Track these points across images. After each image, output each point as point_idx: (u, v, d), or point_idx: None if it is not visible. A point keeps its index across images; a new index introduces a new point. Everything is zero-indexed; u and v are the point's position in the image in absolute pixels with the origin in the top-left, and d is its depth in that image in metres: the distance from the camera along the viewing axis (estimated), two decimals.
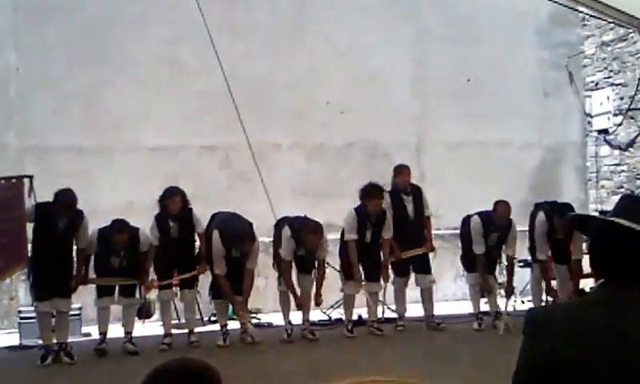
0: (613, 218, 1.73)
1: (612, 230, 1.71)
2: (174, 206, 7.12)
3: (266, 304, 8.71)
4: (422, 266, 7.93)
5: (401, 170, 7.88)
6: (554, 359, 1.63)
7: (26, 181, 6.79)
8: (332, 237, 8.00)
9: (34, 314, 7.12)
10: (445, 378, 5.70)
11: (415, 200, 7.88)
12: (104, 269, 7.13)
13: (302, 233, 7.23)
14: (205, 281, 8.15)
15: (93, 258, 7.16)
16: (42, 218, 6.71)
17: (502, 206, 7.66)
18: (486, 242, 7.76)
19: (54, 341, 6.81)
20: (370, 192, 7.47)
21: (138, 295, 7.39)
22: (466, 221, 8.00)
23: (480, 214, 7.81)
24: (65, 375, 6.45)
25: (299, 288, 7.62)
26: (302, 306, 7.57)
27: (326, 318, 8.54)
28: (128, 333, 7.24)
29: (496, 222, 7.71)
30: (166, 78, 9.03)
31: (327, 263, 8.01)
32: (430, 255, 8.06)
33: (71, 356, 6.77)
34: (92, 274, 7.22)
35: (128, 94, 8.87)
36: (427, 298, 7.99)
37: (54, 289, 6.77)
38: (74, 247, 6.98)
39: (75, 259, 6.99)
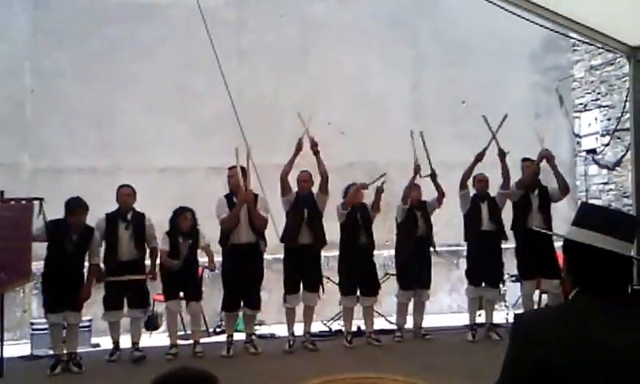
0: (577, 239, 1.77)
1: (581, 243, 1.74)
2: (184, 222, 7.31)
3: (269, 316, 8.77)
4: (424, 281, 8.06)
5: (414, 188, 8.06)
6: (541, 363, 1.63)
7: (36, 203, 6.92)
8: (333, 254, 8.13)
9: (45, 326, 7.25)
10: None
11: (424, 215, 8.08)
12: (112, 252, 7.15)
13: None
14: (211, 294, 8.35)
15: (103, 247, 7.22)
16: (52, 237, 6.82)
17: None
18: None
19: (64, 351, 6.90)
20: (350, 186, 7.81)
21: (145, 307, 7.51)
22: (472, 235, 8.16)
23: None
24: None
25: (303, 303, 7.71)
26: (304, 319, 7.73)
27: (326, 329, 8.68)
28: (135, 343, 7.32)
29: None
30: (176, 101, 9.10)
31: (327, 278, 8.14)
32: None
33: (80, 365, 6.86)
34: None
35: (139, 116, 8.94)
36: (419, 311, 8.15)
37: (65, 302, 6.84)
38: (86, 263, 7.06)
39: (86, 272, 7.05)
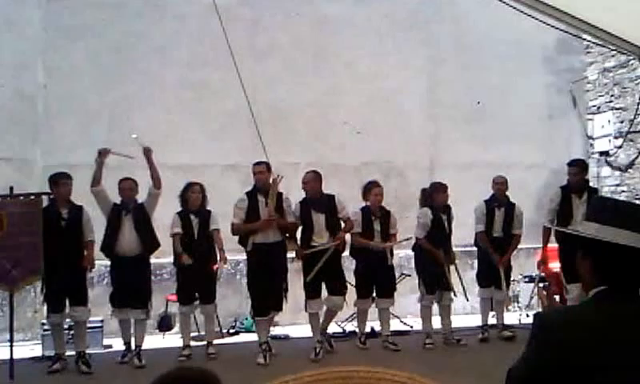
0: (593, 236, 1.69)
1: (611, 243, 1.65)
2: (192, 196, 7.03)
3: (283, 317, 8.54)
4: (446, 284, 7.65)
5: (442, 189, 7.63)
6: (563, 366, 1.56)
7: (45, 198, 6.73)
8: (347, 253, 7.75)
9: None
10: None
11: (448, 218, 7.65)
12: (114, 241, 6.83)
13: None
14: (225, 294, 8.10)
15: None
16: (46, 218, 6.57)
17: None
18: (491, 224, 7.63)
19: (74, 351, 6.68)
20: (369, 185, 7.41)
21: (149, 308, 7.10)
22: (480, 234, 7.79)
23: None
24: None
25: (326, 306, 7.35)
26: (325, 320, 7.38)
27: (340, 330, 8.39)
28: (138, 346, 6.94)
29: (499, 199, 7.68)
30: (190, 99, 8.79)
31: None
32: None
33: (88, 365, 6.59)
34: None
35: (152, 114, 8.59)
36: (446, 314, 7.72)
37: (70, 299, 6.62)
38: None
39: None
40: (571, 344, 1.57)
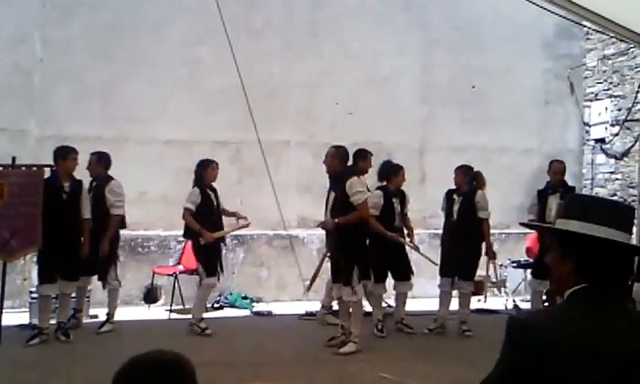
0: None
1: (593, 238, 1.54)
2: (213, 172, 6.88)
3: (267, 293, 8.38)
4: (466, 273, 7.09)
5: (457, 171, 7.21)
6: (544, 375, 1.44)
7: (47, 170, 6.52)
8: None
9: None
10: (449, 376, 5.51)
11: (464, 202, 7.07)
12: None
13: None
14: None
15: None
16: (47, 189, 6.39)
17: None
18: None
19: (53, 321, 6.52)
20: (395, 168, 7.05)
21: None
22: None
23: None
24: (71, 354, 6.05)
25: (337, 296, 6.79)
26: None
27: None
28: (109, 314, 6.91)
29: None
30: (183, 75, 8.48)
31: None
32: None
33: (67, 335, 6.46)
34: None
35: (146, 89, 8.32)
36: (447, 301, 7.26)
37: (61, 272, 6.45)
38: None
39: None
40: (544, 347, 1.45)
